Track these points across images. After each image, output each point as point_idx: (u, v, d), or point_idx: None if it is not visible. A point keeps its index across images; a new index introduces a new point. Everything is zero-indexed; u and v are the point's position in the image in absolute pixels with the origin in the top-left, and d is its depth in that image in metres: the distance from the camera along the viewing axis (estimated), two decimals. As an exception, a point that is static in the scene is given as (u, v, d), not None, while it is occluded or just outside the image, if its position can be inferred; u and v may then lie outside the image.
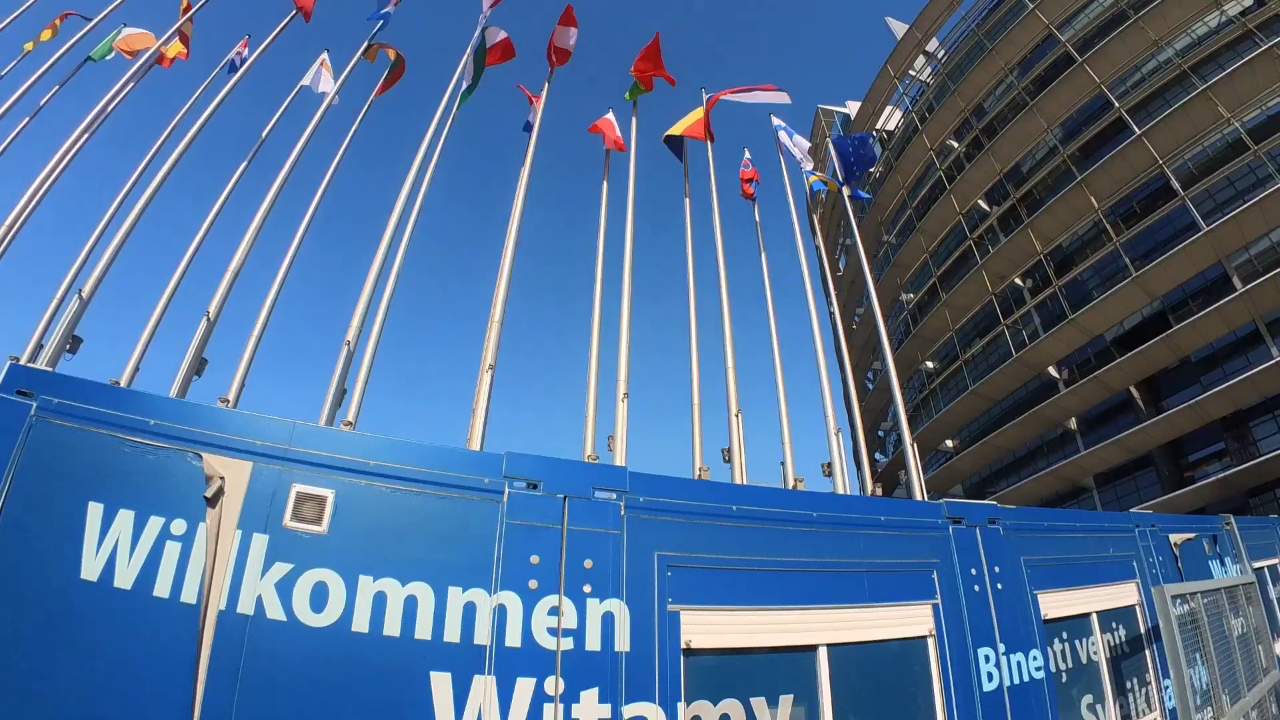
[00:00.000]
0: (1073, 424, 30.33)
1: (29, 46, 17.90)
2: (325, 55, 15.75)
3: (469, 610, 3.78)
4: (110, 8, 14.95)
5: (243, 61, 14.87)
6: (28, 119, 13.72)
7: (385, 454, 3.97)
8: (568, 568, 4.05)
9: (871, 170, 24.87)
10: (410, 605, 3.72)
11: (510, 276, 11.38)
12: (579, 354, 9.91)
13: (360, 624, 3.61)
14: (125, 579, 3.47)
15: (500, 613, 3.83)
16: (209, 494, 3.59)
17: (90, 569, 3.45)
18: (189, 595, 3.48)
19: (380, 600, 3.67)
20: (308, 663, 3.52)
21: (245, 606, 3.49)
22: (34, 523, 3.46)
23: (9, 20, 15.07)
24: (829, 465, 9.30)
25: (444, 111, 12.21)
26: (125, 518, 3.59)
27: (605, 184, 13.03)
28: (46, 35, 16.80)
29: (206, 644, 3.38)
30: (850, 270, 42.64)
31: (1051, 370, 30.93)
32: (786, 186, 16.75)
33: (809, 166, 17.78)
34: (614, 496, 4.38)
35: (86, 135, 12.05)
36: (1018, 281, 33.29)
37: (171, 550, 3.55)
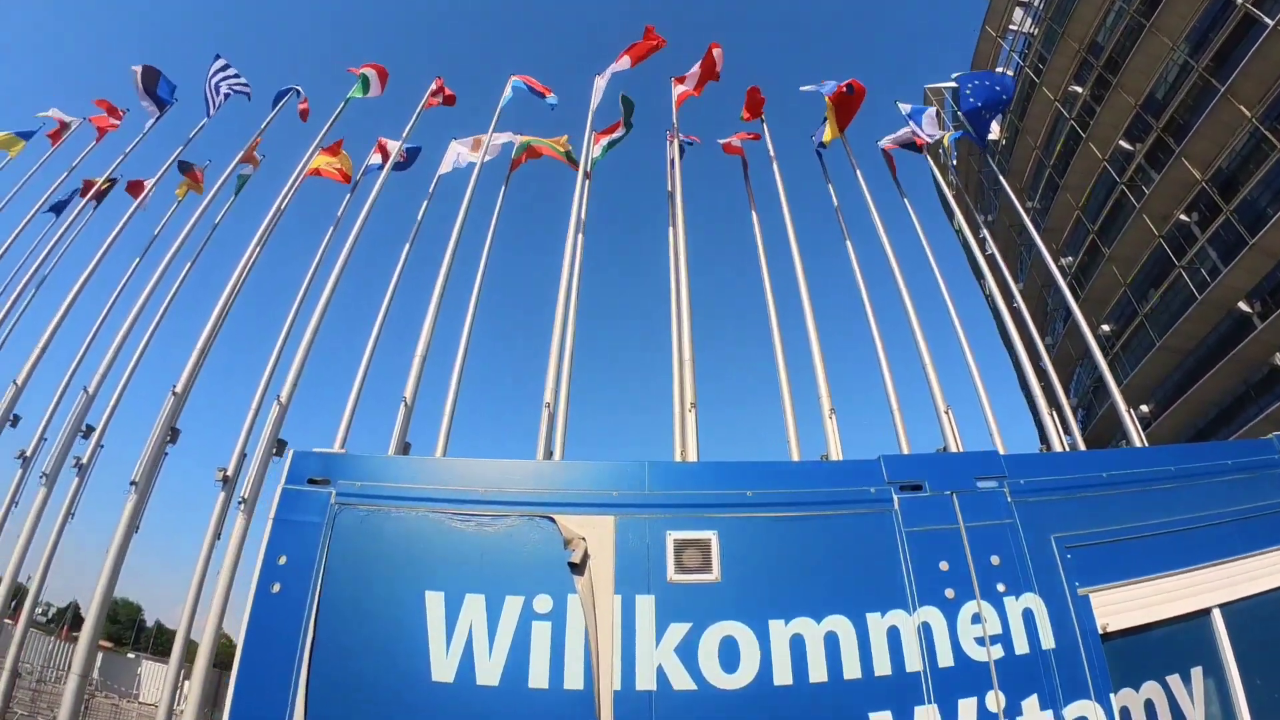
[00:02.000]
0: (1278, 359, 27.28)
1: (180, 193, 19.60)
2: (457, 142, 17.55)
3: (893, 636, 3.40)
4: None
5: (380, 166, 16.50)
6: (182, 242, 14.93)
7: (761, 481, 3.61)
8: (976, 568, 3.64)
9: (1005, 110, 23.36)
10: (831, 643, 3.31)
11: (690, 312, 11.53)
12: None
13: (782, 676, 3.19)
14: (490, 674, 3.16)
15: (925, 631, 3.45)
16: (575, 559, 3.23)
17: (443, 669, 3.15)
18: (573, 681, 3.13)
19: (798, 644, 3.26)
20: (730, 733, 3.09)
21: (645, 682, 3.11)
22: (359, 628, 3.20)
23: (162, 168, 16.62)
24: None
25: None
26: (474, 604, 3.29)
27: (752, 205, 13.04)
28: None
29: (608, 733, 3.01)
30: (1000, 244, 40.32)
31: (1242, 305, 27.59)
32: (934, 170, 16.82)
33: (938, 131, 17.76)
34: (996, 484, 4.01)
35: (258, 248, 12.73)
36: (1183, 217, 30.16)
37: (540, 632, 3.22)
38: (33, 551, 14.76)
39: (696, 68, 17.50)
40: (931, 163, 19.43)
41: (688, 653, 3.14)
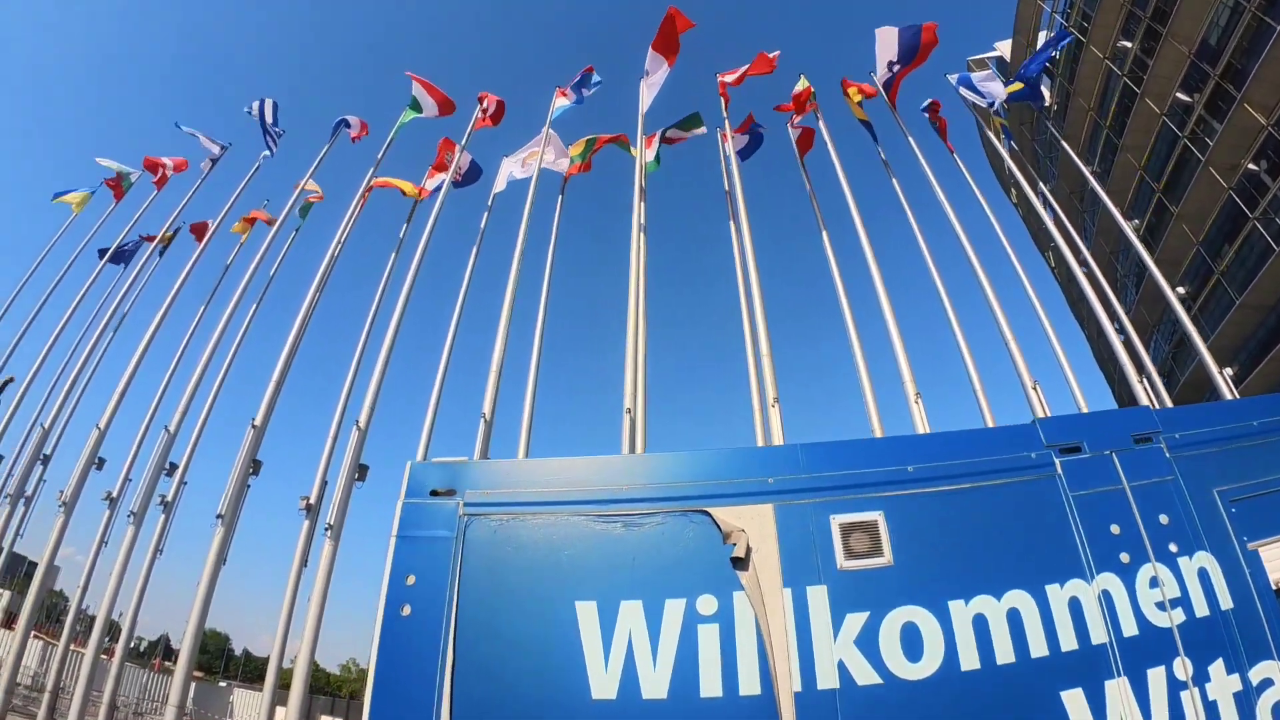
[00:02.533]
0: (1370, 305, 25.73)
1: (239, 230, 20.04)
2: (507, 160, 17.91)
3: (1075, 607, 3.22)
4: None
5: (439, 186, 16.81)
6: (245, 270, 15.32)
7: (919, 455, 3.42)
8: (1147, 529, 3.46)
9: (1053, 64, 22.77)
10: (1015, 620, 3.12)
11: (764, 306, 11.40)
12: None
13: (969, 660, 2.98)
14: (656, 687, 2.95)
15: (1106, 599, 3.26)
16: (738, 553, 3.04)
17: (604, 686, 2.96)
18: (749, 686, 2.92)
19: (981, 625, 3.06)
20: (921, 727, 2.87)
21: (827, 679, 2.90)
22: (504, 648, 3.04)
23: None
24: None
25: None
26: (631, 612, 3.10)
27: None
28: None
29: (792, 738, 2.80)
30: (1061, 211, 39.04)
31: (1327, 252, 26.51)
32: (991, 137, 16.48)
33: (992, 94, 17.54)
34: (1153, 441, 3.79)
35: (326, 275, 12.97)
36: (1251, 166, 28.55)
37: (708, 636, 3.03)
38: (124, 588, 15.17)
39: (744, 70, 17.44)
40: (989, 133, 18.95)
41: (868, 644, 2.94)
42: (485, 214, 16.44)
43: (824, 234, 14.69)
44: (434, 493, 3.44)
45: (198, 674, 68.25)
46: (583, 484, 3.45)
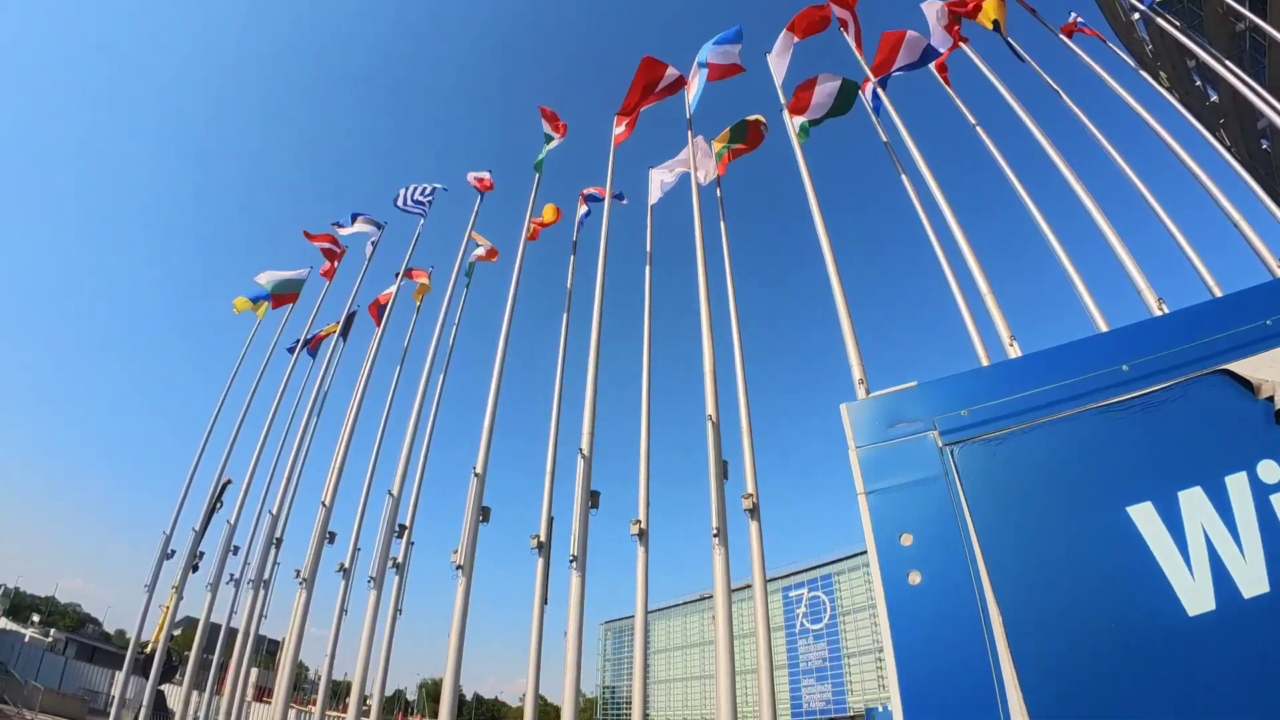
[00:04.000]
0: None
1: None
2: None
3: None
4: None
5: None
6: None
7: None
8: None
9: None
10: None
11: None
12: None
13: None
14: (1255, 581, 2.30)
15: None
16: None
17: (1196, 597, 2.32)
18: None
19: None
20: None
21: None
22: (1054, 584, 2.41)
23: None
24: None
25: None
26: (1193, 501, 2.44)
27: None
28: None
29: None
30: (1226, 92, 35.34)
31: None
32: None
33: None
34: None
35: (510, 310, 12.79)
36: None
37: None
38: (347, 647, 15.72)
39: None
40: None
41: None
42: (649, 226, 16.32)
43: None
44: (894, 430, 2.91)
45: None
46: (1069, 375, 2.84)
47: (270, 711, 38.49)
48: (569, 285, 15.88)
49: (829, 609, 46.85)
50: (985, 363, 11.89)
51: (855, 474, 3.06)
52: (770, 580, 48.28)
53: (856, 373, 13.02)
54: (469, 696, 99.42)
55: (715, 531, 11.19)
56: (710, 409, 11.88)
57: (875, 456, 3.05)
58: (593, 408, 12.65)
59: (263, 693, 44.28)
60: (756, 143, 17.71)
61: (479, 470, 13.03)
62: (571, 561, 11.52)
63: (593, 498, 12.04)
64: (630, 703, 61.20)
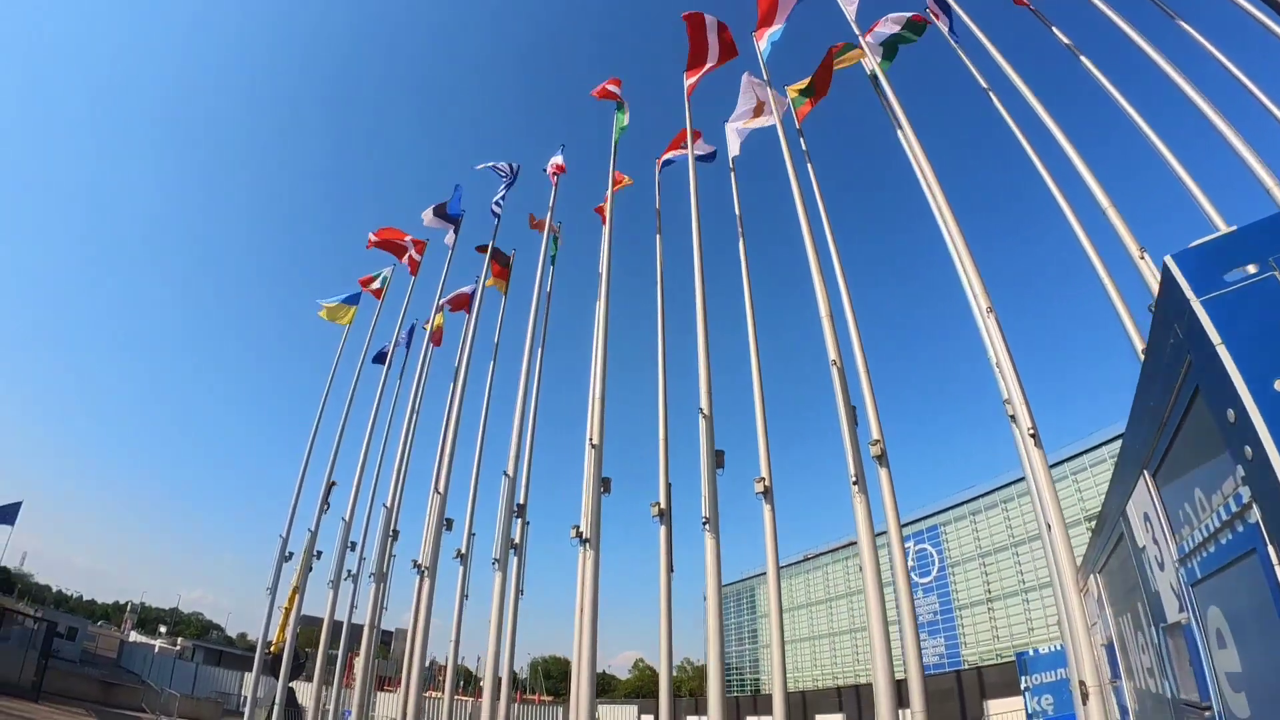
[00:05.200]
0: None
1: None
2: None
3: None
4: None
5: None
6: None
7: None
8: None
9: None
10: None
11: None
12: None
13: None
14: None
15: None
16: None
17: None
18: None
19: None
20: None
21: None
22: None
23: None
24: None
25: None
26: None
27: None
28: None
29: None
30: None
31: None
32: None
33: None
34: None
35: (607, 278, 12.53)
36: None
37: None
38: (458, 633, 15.84)
39: None
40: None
41: None
42: (733, 181, 15.81)
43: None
44: (1232, 271, 2.46)
45: (547, 698, 73.41)
46: None
47: (397, 700, 39.81)
48: (658, 250, 15.53)
49: (937, 561, 45.68)
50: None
51: (1206, 326, 2.64)
52: (878, 535, 47.18)
53: (983, 301, 12.37)
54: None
55: (854, 479, 10.75)
56: (833, 354, 11.40)
57: (1227, 303, 2.62)
58: (707, 365, 12.29)
59: (383, 682, 45.78)
60: (827, 84, 16.99)
61: (595, 441, 12.84)
62: (705, 524, 11.25)
63: (719, 457, 11.70)
64: (739, 669, 61.21)
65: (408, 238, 24.60)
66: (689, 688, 78.51)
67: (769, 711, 43.14)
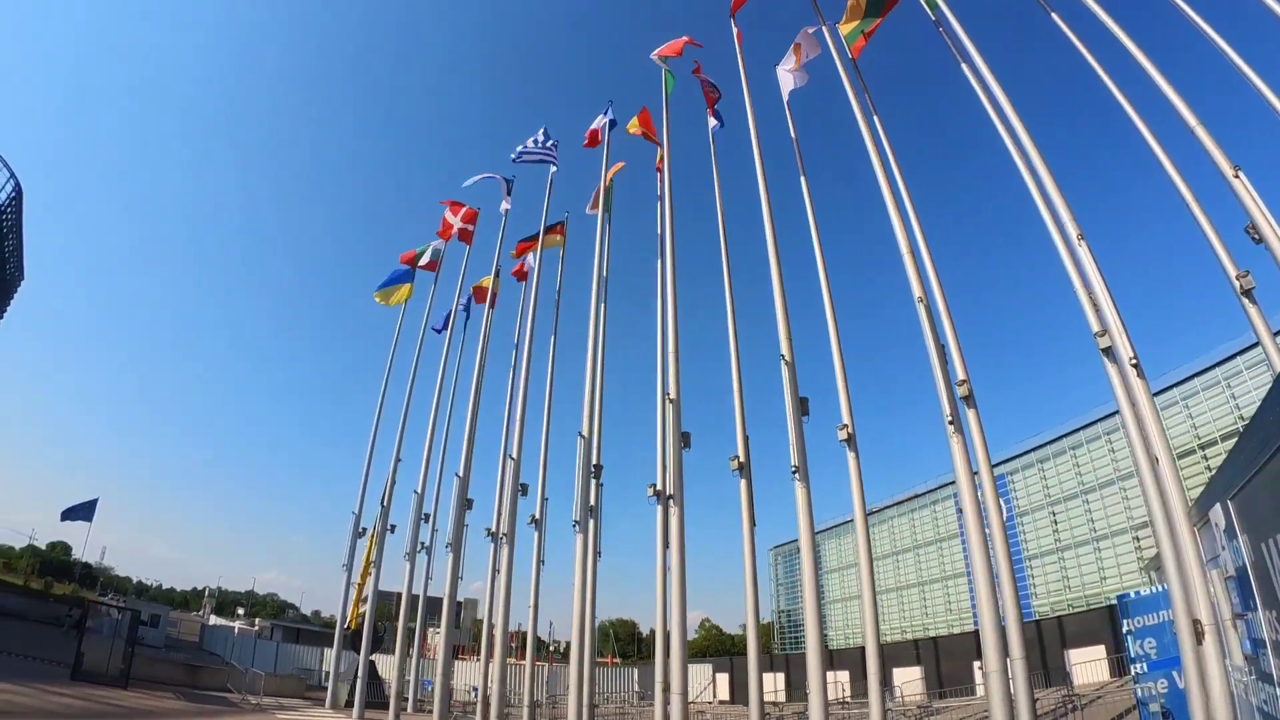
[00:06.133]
0: None
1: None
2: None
3: None
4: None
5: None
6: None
7: None
8: None
9: None
10: None
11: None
12: None
13: None
14: None
15: None
16: None
17: None
18: None
19: None
20: None
21: None
22: None
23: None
24: None
25: None
26: None
27: None
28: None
29: None
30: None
31: None
32: None
33: None
34: None
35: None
36: None
37: None
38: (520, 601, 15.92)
39: None
40: None
41: None
42: (790, 122, 15.28)
43: None
44: None
45: (615, 660, 74.61)
46: None
47: (475, 668, 40.66)
48: (717, 194, 15.10)
49: (1005, 512, 44.82)
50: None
51: None
52: (941, 487, 46.39)
53: (1072, 229, 11.75)
54: (644, 633, 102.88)
55: (949, 419, 10.35)
56: (917, 290, 10.94)
57: None
58: (785, 309, 11.93)
59: (457, 651, 46.80)
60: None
61: (673, 396, 12.60)
62: (794, 473, 10.96)
63: (803, 405, 11.38)
64: (803, 626, 61.11)
65: (461, 211, 24.55)
66: (762, 645, 77.62)
67: (844, 666, 43.12)
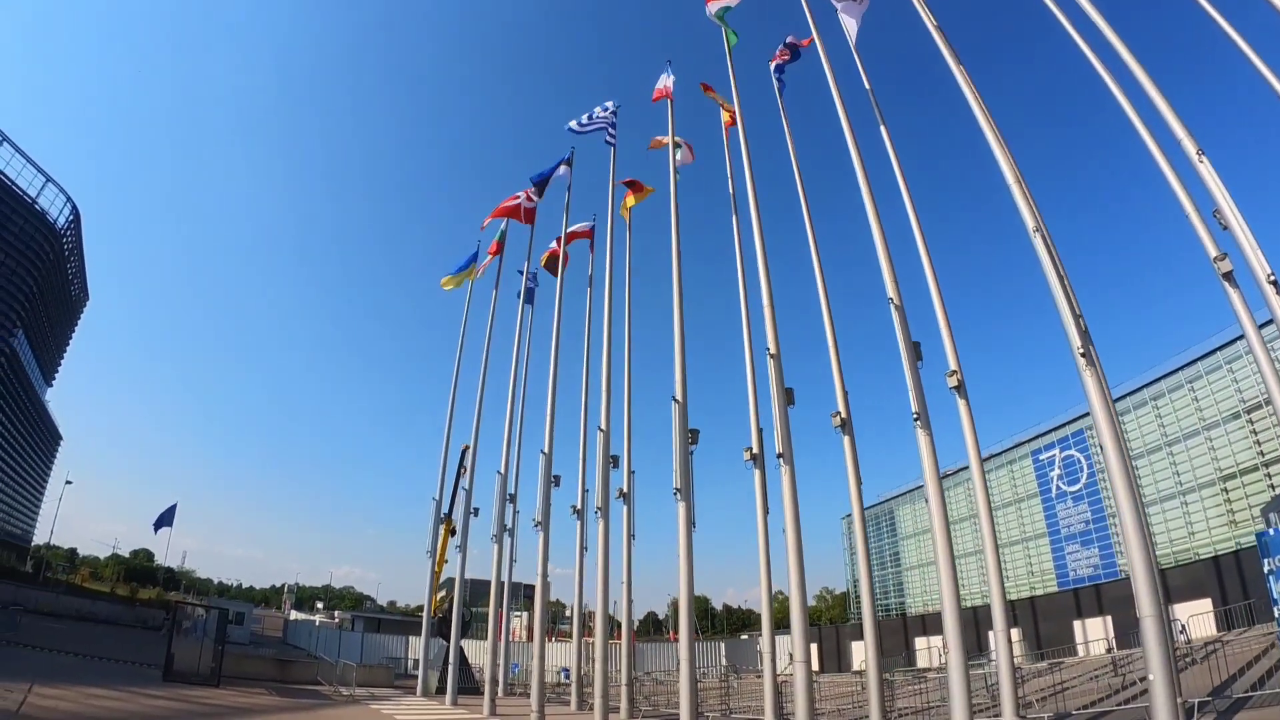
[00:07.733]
0: None
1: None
2: None
3: None
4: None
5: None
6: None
7: None
8: None
9: None
10: None
11: None
12: None
13: None
14: None
15: None
16: None
17: None
18: None
19: None
20: None
21: None
22: None
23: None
24: None
25: None
26: None
27: None
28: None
29: None
30: None
31: None
32: None
33: None
34: None
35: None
36: None
37: None
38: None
39: None
40: None
41: None
42: (860, 67, 14.65)
43: None
44: None
45: (675, 637, 75.12)
46: None
47: (562, 650, 40.81)
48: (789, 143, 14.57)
49: (1086, 468, 43.20)
50: None
51: None
52: (1016, 446, 44.97)
53: (1190, 146, 11.01)
54: (718, 608, 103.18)
55: (1082, 351, 9.75)
56: (1031, 221, 10.31)
57: None
58: (886, 251, 11.39)
59: (530, 634, 47.35)
60: None
61: (773, 351, 12.21)
62: (915, 419, 10.51)
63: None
64: (886, 593, 60.27)
65: (520, 196, 24.52)
66: (829, 616, 77.86)
67: (922, 632, 42.11)
